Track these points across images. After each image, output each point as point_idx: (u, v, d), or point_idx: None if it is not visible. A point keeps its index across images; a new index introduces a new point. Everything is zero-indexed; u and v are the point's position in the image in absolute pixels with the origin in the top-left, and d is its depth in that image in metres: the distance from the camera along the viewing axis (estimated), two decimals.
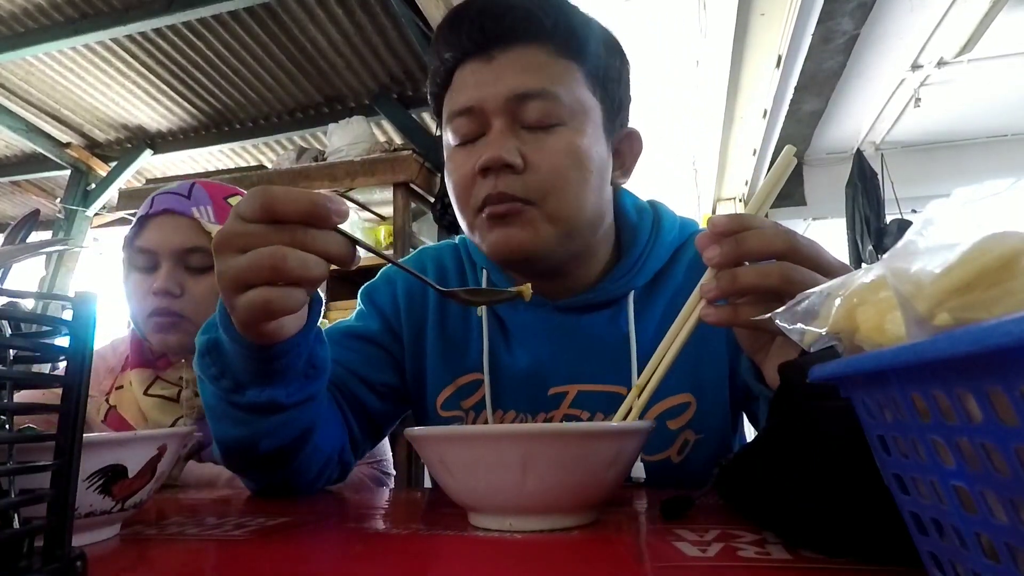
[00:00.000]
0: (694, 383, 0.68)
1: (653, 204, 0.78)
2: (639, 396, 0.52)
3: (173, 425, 0.90)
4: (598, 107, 0.66)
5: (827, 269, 0.46)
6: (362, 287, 0.82)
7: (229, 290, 0.47)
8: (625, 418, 0.52)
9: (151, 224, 0.90)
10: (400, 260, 0.71)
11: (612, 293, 0.71)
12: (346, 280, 2.62)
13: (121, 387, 0.95)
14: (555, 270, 0.69)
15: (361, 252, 0.48)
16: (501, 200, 0.62)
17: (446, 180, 0.69)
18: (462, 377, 0.75)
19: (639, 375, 0.65)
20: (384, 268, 0.83)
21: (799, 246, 0.46)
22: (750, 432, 0.80)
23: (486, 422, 0.72)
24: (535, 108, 0.62)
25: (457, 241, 0.83)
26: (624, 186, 0.76)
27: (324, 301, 0.61)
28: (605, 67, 0.67)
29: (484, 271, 0.77)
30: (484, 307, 0.73)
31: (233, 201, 0.95)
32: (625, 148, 0.73)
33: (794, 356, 0.45)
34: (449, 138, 0.68)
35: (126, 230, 0.94)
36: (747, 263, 0.47)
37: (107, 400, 0.95)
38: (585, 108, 0.65)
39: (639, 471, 0.64)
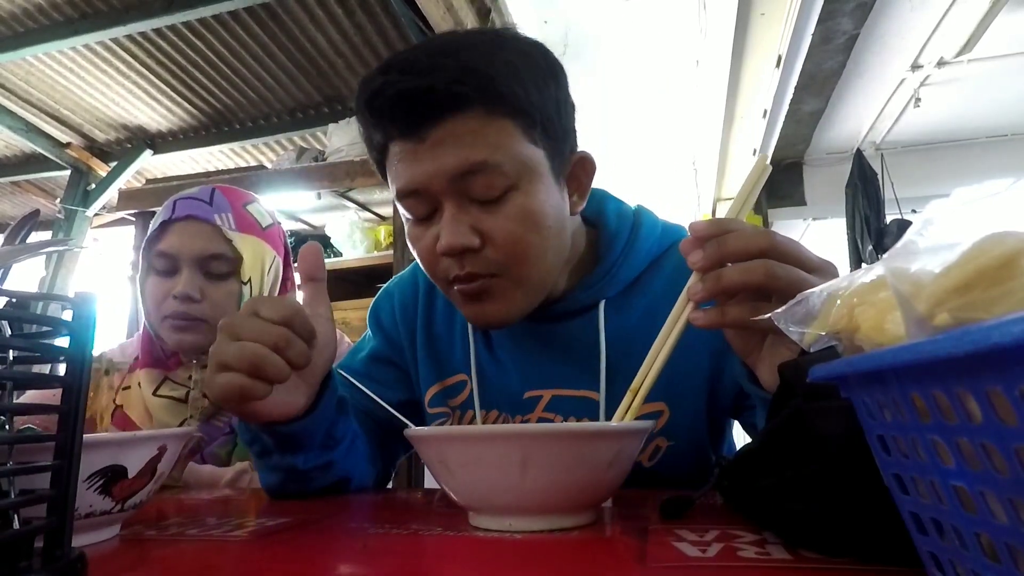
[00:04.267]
0: (668, 393, 0.68)
1: (638, 211, 0.78)
2: (634, 399, 0.52)
3: (179, 426, 0.91)
4: (543, 155, 0.64)
5: (808, 265, 0.47)
6: (370, 307, 0.87)
7: (210, 368, 0.54)
8: (623, 420, 0.52)
9: (173, 228, 0.91)
10: (398, 273, 0.84)
11: (583, 302, 0.72)
12: (346, 280, 2.62)
13: (128, 387, 0.97)
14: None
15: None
16: (469, 279, 0.64)
17: (409, 246, 0.70)
18: (449, 378, 0.78)
19: (607, 382, 0.68)
20: (385, 285, 0.87)
21: (779, 244, 0.47)
22: (742, 438, 0.79)
23: (472, 420, 0.75)
24: (480, 182, 0.61)
25: None
26: (621, 187, 0.77)
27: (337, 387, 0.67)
28: (542, 105, 0.63)
29: None
30: None
31: (251, 209, 0.98)
32: (579, 172, 0.70)
33: (786, 355, 0.46)
34: (403, 211, 0.68)
35: (126, 230, 0.95)
36: (730, 264, 0.48)
37: (113, 400, 0.96)
38: (530, 165, 0.63)
39: None
